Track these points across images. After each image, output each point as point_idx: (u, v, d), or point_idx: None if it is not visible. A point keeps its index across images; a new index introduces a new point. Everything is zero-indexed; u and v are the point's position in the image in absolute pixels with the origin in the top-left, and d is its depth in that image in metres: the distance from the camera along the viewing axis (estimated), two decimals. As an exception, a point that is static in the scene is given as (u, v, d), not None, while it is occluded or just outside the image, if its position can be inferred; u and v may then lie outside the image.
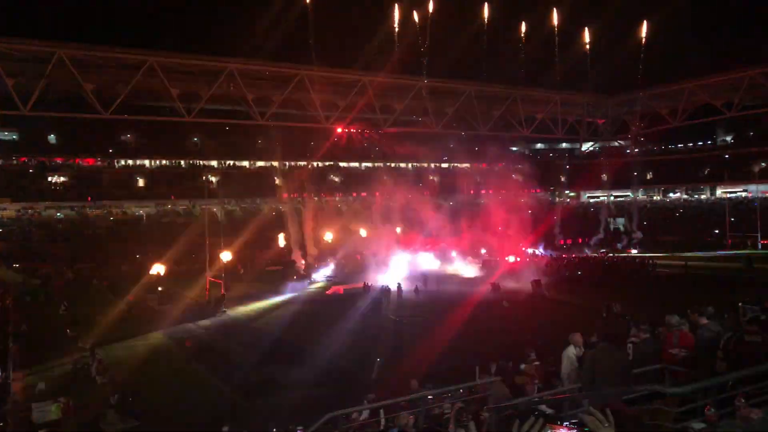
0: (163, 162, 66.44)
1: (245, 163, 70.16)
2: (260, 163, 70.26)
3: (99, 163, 63.93)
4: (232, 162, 69.20)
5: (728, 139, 78.93)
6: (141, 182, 63.47)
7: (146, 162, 65.91)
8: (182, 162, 66.88)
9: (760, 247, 54.47)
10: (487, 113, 74.65)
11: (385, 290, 35.60)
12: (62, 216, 56.86)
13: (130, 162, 65.20)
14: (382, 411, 10.11)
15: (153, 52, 53.80)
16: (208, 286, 36.43)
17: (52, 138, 63.05)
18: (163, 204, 61.60)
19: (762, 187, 66.71)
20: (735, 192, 71.01)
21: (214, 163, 67.11)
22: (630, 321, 13.44)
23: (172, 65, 55.13)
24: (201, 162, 66.97)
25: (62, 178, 60.04)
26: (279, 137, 67.06)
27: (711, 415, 4.94)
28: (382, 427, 9.67)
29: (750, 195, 68.07)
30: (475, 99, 71.54)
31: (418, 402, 10.13)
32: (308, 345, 24.27)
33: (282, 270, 46.56)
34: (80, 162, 62.66)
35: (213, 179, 63.21)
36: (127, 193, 61.15)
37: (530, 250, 53.24)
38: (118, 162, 64.69)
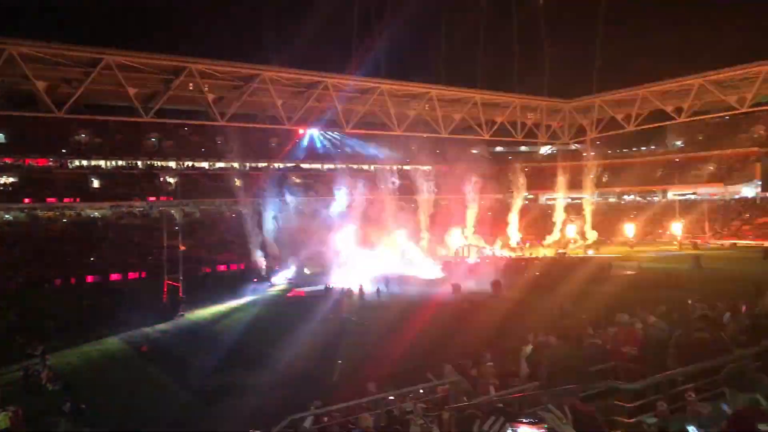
0: (119, 162, 64.74)
1: (205, 164, 69.00)
2: (220, 164, 69.18)
3: (51, 163, 61.90)
4: (191, 163, 67.98)
5: (678, 143, 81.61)
6: (96, 183, 61.67)
7: (101, 162, 64.10)
8: (139, 162, 65.31)
9: (708, 247, 56.59)
10: (448, 116, 75.38)
11: (347, 292, 35.59)
12: (11, 218, 54.88)
13: (84, 162, 63.29)
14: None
15: (109, 50, 52.38)
16: (165, 289, 35.73)
17: (0, 137, 60.78)
18: (119, 205, 60.02)
19: (710, 190, 69.26)
20: (685, 194, 73.47)
21: (172, 163, 65.76)
22: (585, 320, 13.81)
23: (128, 63, 53.76)
24: (159, 163, 65.54)
25: (11, 179, 57.94)
26: (239, 138, 66.24)
27: (663, 409, 5.13)
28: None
29: (699, 197, 70.56)
30: (436, 102, 72.12)
31: (379, 403, 10.21)
32: (268, 348, 24.09)
33: (242, 273, 46.01)
34: (30, 162, 60.56)
35: (171, 180, 61.96)
36: (82, 195, 59.30)
37: (490, 251, 54.01)
38: (71, 162, 62.72)
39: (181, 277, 35.90)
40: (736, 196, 69.43)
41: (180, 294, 34.75)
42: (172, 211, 54.93)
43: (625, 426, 5.41)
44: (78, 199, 57.72)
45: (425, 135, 74.67)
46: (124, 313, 31.42)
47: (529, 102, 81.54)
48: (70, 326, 29.32)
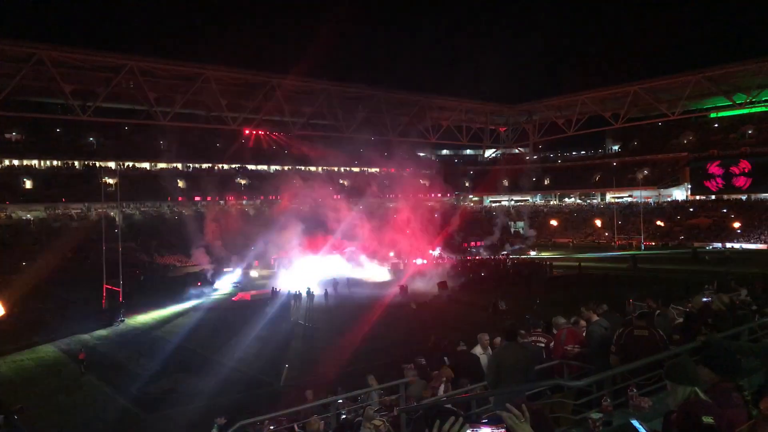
0: (55, 163, 61.90)
1: (145, 165, 66.85)
2: (162, 165, 67.19)
3: (-21, 163, 58.64)
4: (131, 163, 65.73)
5: (616, 148, 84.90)
6: (29, 184, 58.67)
7: (35, 162, 61.12)
8: (76, 163, 62.65)
9: (643, 248, 59.06)
10: (396, 119, 75.95)
11: (295, 295, 35.26)
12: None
13: (16, 162, 60.17)
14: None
15: (42, 45, 50.16)
16: (105, 294, 34.43)
17: None
18: (55, 207, 57.34)
19: (645, 193, 72.36)
20: (622, 197, 76.46)
21: (111, 164, 63.40)
22: (530, 320, 14.10)
23: (63, 59, 51.54)
24: (97, 163, 63.04)
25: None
26: (183, 138, 64.65)
27: (607, 405, 5.30)
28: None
29: (634, 200, 73.57)
30: (384, 104, 72.50)
31: (329, 407, 10.14)
32: (212, 353, 23.59)
33: (185, 276, 44.87)
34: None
35: (110, 181, 59.69)
36: (12, 196, 56.21)
37: (435, 253, 54.62)
38: (1, 162, 59.49)
39: (121, 282, 34.67)
40: (668, 199, 72.81)
41: (120, 299, 33.57)
42: (112, 213, 53.00)
43: (571, 422, 5.56)
44: (8, 202, 54.75)
45: (373, 137, 74.95)
46: (59, 320, 30.10)
47: (473, 106, 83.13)
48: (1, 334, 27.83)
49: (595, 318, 9.81)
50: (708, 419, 3.27)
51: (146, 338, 27.80)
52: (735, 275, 21.23)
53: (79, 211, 57.92)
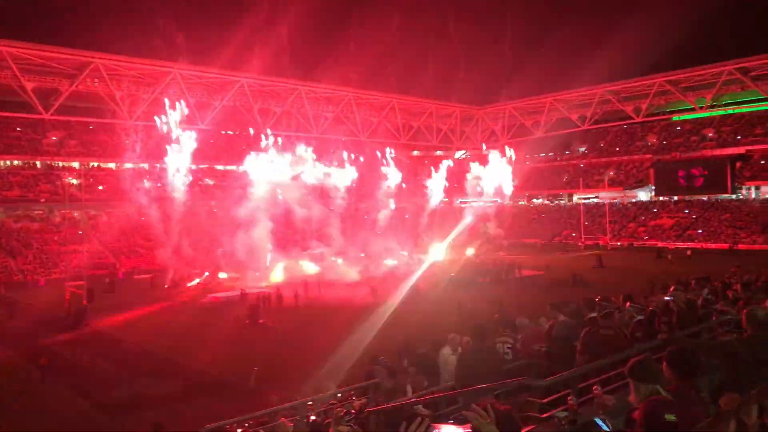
0: (15, 162, 60.07)
1: (112, 165, 65.36)
2: (129, 165, 65.71)
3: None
4: (96, 163, 64.21)
5: (582, 149, 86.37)
6: (-13, 184, 56.89)
7: (-6, 161, 59.28)
8: (38, 162, 60.95)
9: (609, 247, 60.27)
10: (366, 119, 75.99)
11: (264, 297, 34.93)
12: None
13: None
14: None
15: (3, 42, 48.78)
16: (68, 297, 33.57)
17: None
18: (15, 208, 55.63)
19: (610, 194, 73.81)
20: (588, 198, 77.82)
21: (75, 163, 61.88)
22: (499, 320, 14.23)
23: (25, 56, 50.22)
24: (60, 162, 61.46)
25: None
26: (150, 137, 63.43)
27: (572, 403, 5.38)
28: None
29: (601, 201, 74.94)
30: (354, 104, 72.49)
31: (298, 409, 10.06)
32: (179, 357, 23.22)
33: (152, 278, 44.10)
34: None
35: (74, 181, 58.24)
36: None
37: (404, 254, 54.74)
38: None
39: (85, 285, 33.87)
40: (633, 200, 74.40)
41: (84, 302, 32.77)
42: (76, 214, 51.75)
43: (537, 421, 5.62)
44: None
45: (344, 138, 74.76)
46: (20, 324, 29.24)
47: (444, 108, 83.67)
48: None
49: (561, 318, 9.96)
50: (670, 417, 3.33)
51: (111, 342, 27.21)
52: (696, 274, 21.82)
53: (41, 212, 56.37)
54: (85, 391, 19.30)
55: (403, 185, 72.62)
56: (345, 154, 69.63)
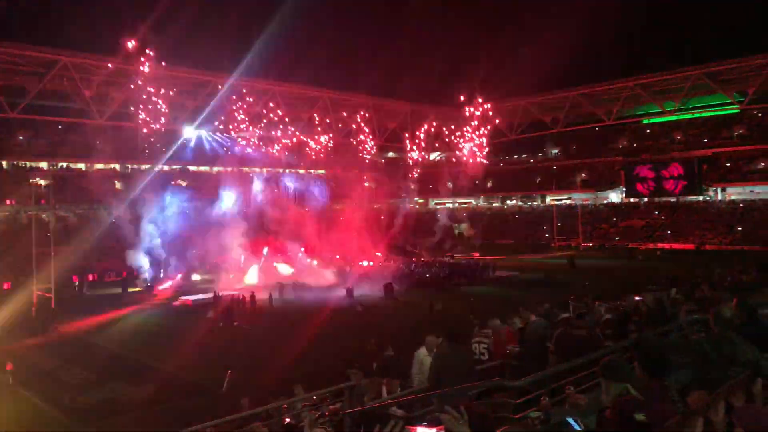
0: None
1: (81, 166, 64.00)
2: (99, 166, 64.48)
3: None
4: (65, 164, 62.81)
5: (555, 152, 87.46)
6: (-50, 184, 55.23)
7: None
8: (4, 163, 59.39)
9: (581, 248, 61.18)
10: (342, 120, 75.83)
11: (238, 300, 34.63)
12: None
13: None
14: None
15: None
16: (35, 301, 32.81)
17: None
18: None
19: (582, 196, 74.90)
20: (561, 200, 78.82)
21: (43, 164, 60.44)
22: (474, 321, 14.32)
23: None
24: (27, 163, 59.98)
25: None
26: (121, 138, 62.33)
27: (545, 403, 5.43)
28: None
29: (573, 202, 75.96)
30: (329, 105, 72.30)
31: (272, 413, 9.99)
32: (151, 360, 22.86)
33: (123, 281, 43.37)
34: None
35: (42, 182, 56.82)
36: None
37: (379, 254, 54.85)
38: None
39: (53, 288, 33.15)
40: (605, 202, 75.62)
41: (52, 306, 32.06)
42: (44, 216, 50.55)
43: (511, 421, 5.66)
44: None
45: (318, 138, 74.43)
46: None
47: (419, 109, 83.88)
48: None
49: (533, 318, 10.07)
50: (640, 416, 3.37)
51: (80, 346, 26.65)
52: (666, 274, 22.30)
53: (7, 213, 54.91)
54: (54, 397, 18.86)
55: (378, 186, 72.66)
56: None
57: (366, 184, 66.85)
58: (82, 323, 31.37)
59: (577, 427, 3.87)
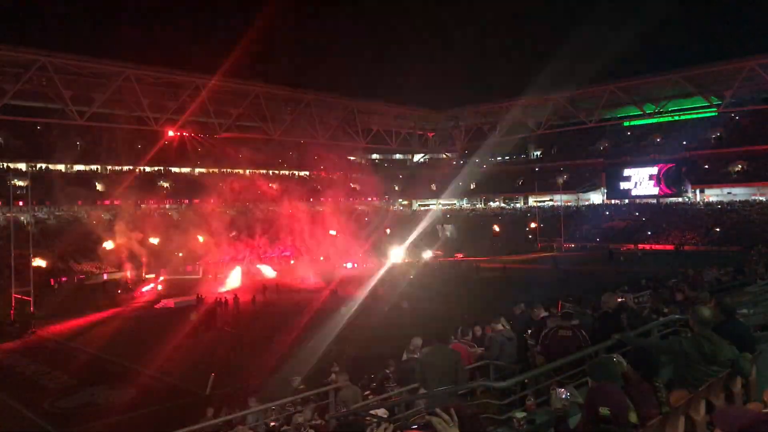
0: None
1: (61, 167, 62.98)
2: (79, 167, 63.56)
3: None
4: (44, 165, 61.78)
5: (537, 153, 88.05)
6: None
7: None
8: (-19, 164, 58.29)
9: (563, 249, 61.64)
10: (326, 122, 75.66)
11: (221, 302, 34.37)
12: None
13: None
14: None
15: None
16: (14, 304, 32.25)
17: None
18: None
19: (564, 197, 75.46)
20: (543, 201, 79.32)
21: (21, 165, 59.41)
22: (461, 322, 14.39)
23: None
24: (5, 164, 58.91)
25: None
26: (102, 139, 61.59)
27: (530, 404, 5.47)
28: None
29: (555, 203, 76.49)
30: (314, 108, 72.13)
31: (257, 416, 9.95)
32: (132, 363, 22.61)
33: (104, 284, 42.83)
34: None
35: (21, 183, 55.83)
36: None
37: (366, 256, 54.77)
38: None
39: (32, 291, 32.63)
40: (587, 203, 76.29)
41: (31, 309, 31.55)
42: (22, 218, 49.77)
43: (496, 422, 5.70)
44: None
45: (302, 140, 74.34)
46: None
47: (403, 111, 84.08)
48: None
49: (500, 327, 10.16)
50: (604, 411, 3.32)
51: (60, 350, 26.31)
52: (646, 274, 22.56)
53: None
54: (33, 401, 18.57)
55: (363, 188, 72.66)
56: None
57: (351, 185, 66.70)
58: (61, 326, 30.97)
59: (566, 396, 3.91)
